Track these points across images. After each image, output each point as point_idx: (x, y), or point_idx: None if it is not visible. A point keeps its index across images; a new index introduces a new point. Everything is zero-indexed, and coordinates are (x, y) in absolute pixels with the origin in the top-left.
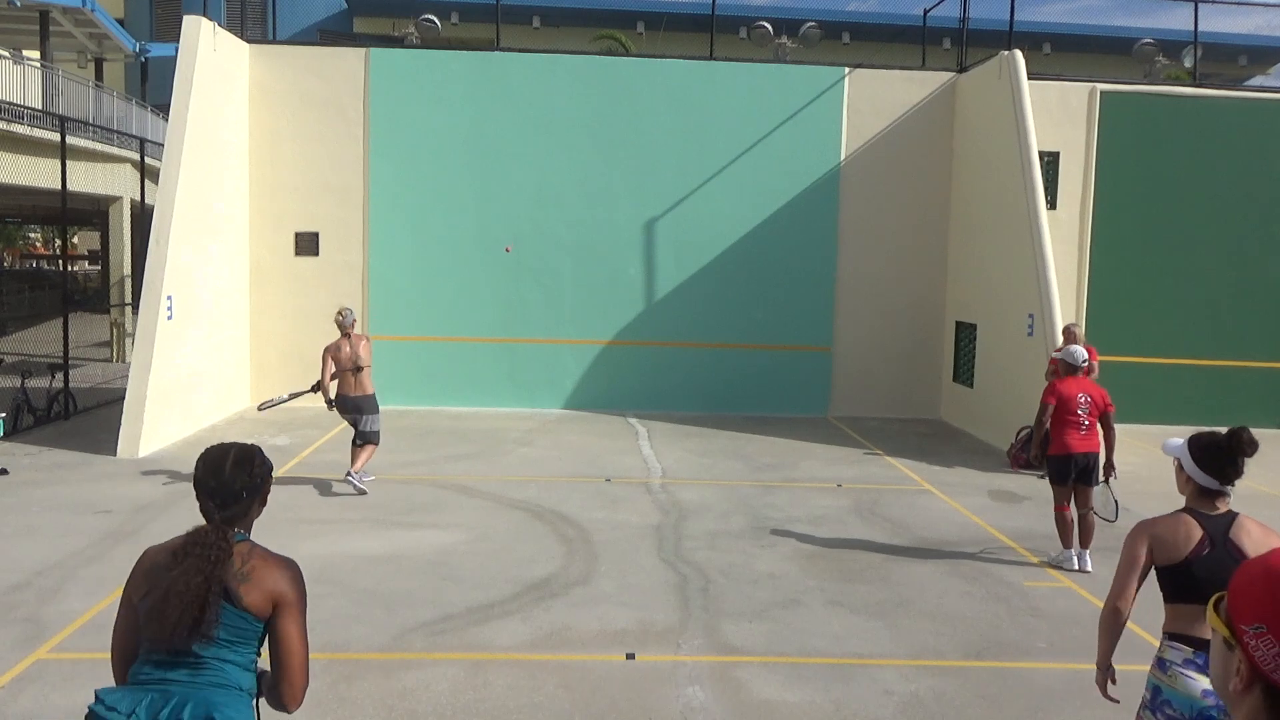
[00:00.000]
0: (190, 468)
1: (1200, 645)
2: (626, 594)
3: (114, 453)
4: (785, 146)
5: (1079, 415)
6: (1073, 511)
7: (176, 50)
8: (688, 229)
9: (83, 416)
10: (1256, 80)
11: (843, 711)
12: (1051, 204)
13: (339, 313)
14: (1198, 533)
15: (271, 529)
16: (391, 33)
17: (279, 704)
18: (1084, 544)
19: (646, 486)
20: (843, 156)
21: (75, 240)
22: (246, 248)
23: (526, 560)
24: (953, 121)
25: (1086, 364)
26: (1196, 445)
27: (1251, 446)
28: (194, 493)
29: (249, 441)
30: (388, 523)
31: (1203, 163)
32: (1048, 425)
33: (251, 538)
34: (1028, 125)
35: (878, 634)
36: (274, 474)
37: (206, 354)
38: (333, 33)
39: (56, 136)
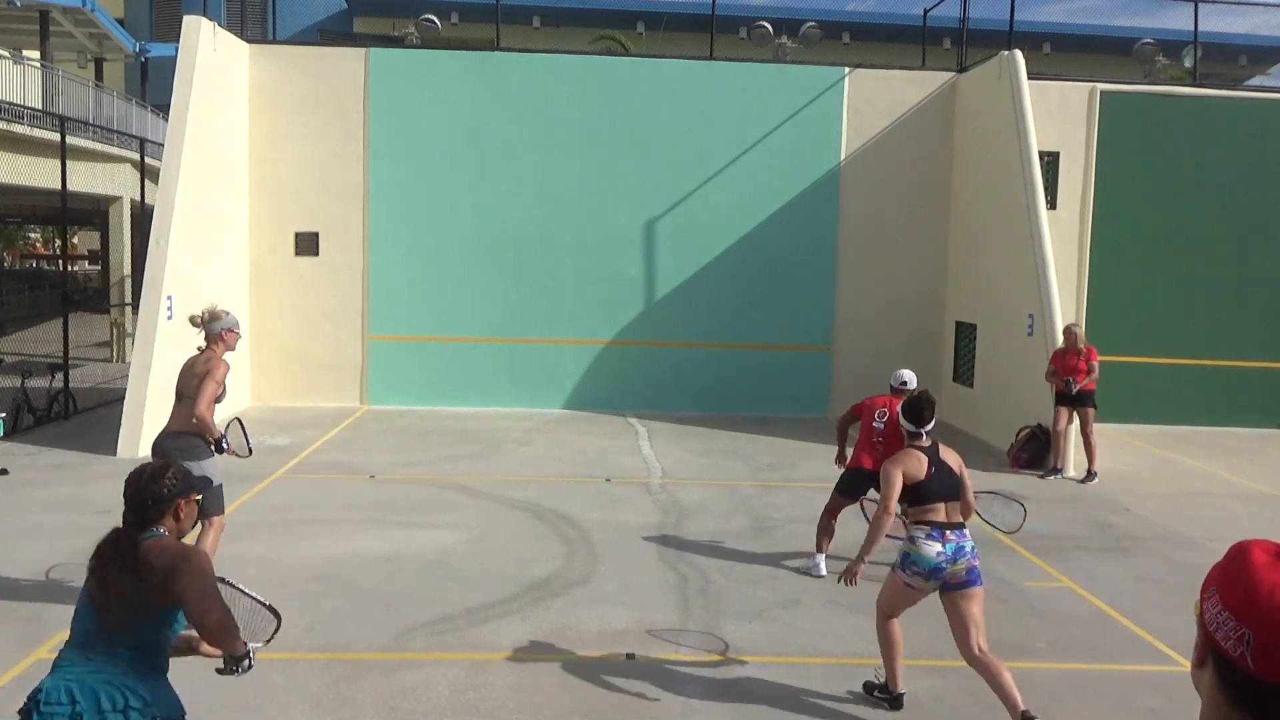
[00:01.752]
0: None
1: (934, 526)
2: (626, 594)
3: (114, 453)
4: (785, 146)
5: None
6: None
7: (176, 50)
8: (688, 229)
9: (83, 416)
10: (1256, 80)
11: (843, 711)
12: (1051, 204)
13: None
14: (926, 460)
15: (271, 529)
16: (391, 33)
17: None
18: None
19: (646, 486)
20: (843, 156)
21: (75, 240)
22: (246, 248)
23: (526, 560)
24: (953, 121)
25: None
26: (902, 406)
27: (930, 406)
28: None
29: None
30: (388, 523)
31: (1203, 163)
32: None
33: (201, 539)
34: (1028, 125)
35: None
36: (198, 490)
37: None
38: (333, 33)
39: (56, 136)
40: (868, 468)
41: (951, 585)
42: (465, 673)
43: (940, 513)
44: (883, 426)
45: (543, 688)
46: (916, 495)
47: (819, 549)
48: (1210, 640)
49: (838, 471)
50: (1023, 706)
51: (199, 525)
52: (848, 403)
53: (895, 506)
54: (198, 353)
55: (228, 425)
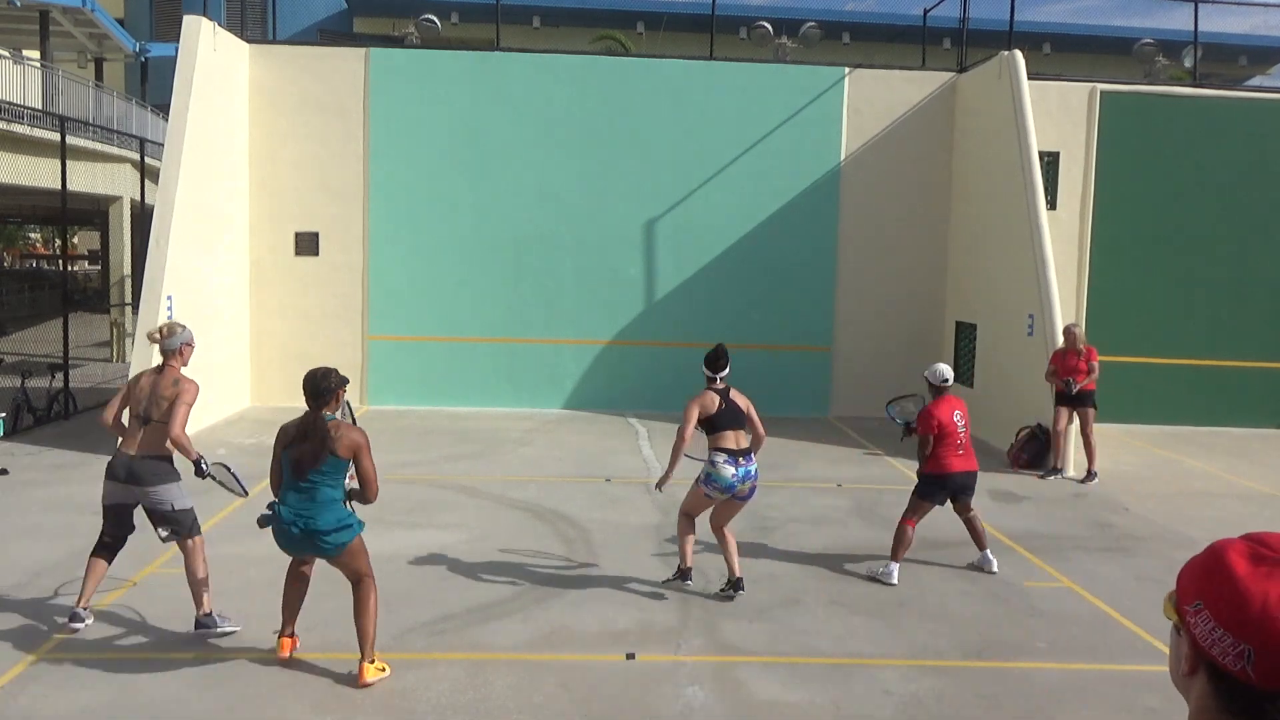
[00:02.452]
0: (190, 467)
1: (729, 452)
2: (626, 594)
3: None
4: (785, 146)
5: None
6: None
7: (176, 50)
8: (688, 229)
9: (83, 416)
10: (1256, 80)
11: (843, 711)
12: (1051, 204)
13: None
14: (718, 399)
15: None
16: (391, 33)
17: (366, 501)
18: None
19: (646, 487)
20: (843, 156)
21: (75, 240)
22: (246, 248)
23: (526, 560)
24: (953, 121)
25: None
26: (705, 358)
27: (725, 357)
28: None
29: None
30: (388, 523)
31: (1203, 163)
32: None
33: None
34: (1028, 125)
35: (878, 634)
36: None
37: (206, 354)
38: (333, 33)
39: (56, 136)
40: (957, 470)
41: (735, 497)
42: (465, 673)
43: (730, 440)
44: (964, 426)
45: (543, 688)
46: (710, 425)
47: (895, 557)
48: (1203, 654)
49: (838, 472)
50: (738, 574)
51: (178, 545)
52: (847, 402)
53: (690, 431)
54: (156, 371)
55: (212, 463)
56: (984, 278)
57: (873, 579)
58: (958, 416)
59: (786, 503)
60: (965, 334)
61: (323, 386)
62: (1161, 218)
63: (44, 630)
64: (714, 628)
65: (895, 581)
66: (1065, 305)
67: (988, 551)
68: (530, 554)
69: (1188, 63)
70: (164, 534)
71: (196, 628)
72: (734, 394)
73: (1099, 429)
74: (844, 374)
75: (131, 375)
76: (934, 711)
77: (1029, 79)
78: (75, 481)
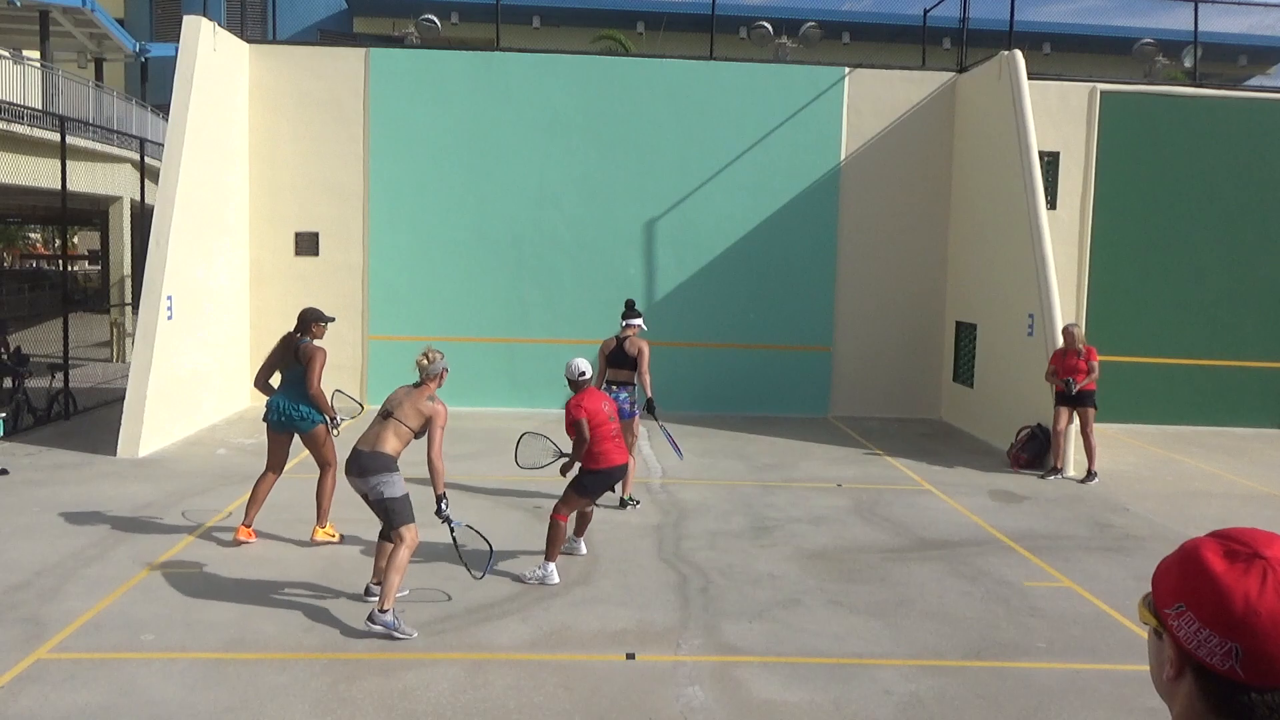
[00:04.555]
0: (190, 468)
1: (618, 385)
2: (626, 594)
3: (114, 453)
4: (785, 146)
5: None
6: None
7: (176, 50)
8: (688, 229)
9: (83, 416)
10: (1256, 80)
11: (843, 711)
12: (1051, 204)
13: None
14: (614, 341)
15: (272, 529)
16: (391, 33)
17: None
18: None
19: (646, 486)
20: (843, 156)
21: (75, 240)
22: (246, 248)
23: (527, 560)
24: (953, 121)
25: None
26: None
27: (633, 309)
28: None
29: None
30: None
31: (1203, 163)
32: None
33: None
34: (1028, 125)
35: (878, 634)
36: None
37: (206, 354)
38: (333, 33)
39: (56, 136)
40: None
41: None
42: (465, 673)
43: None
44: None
45: (543, 688)
46: (611, 362)
47: (550, 557)
48: (1190, 656)
49: (838, 472)
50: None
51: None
52: (847, 402)
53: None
54: (414, 386)
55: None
56: (984, 278)
57: (534, 582)
58: (606, 407)
59: (786, 503)
60: (965, 334)
61: (307, 317)
62: (1161, 217)
63: (44, 630)
64: (714, 628)
65: (557, 580)
66: (1065, 305)
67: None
68: (530, 554)
69: (1188, 63)
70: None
71: (370, 620)
72: (629, 340)
73: (1099, 429)
74: (844, 374)
75: (133, 374)
76: (934, 711)
77: (1029, 79)
78: (75, 481)
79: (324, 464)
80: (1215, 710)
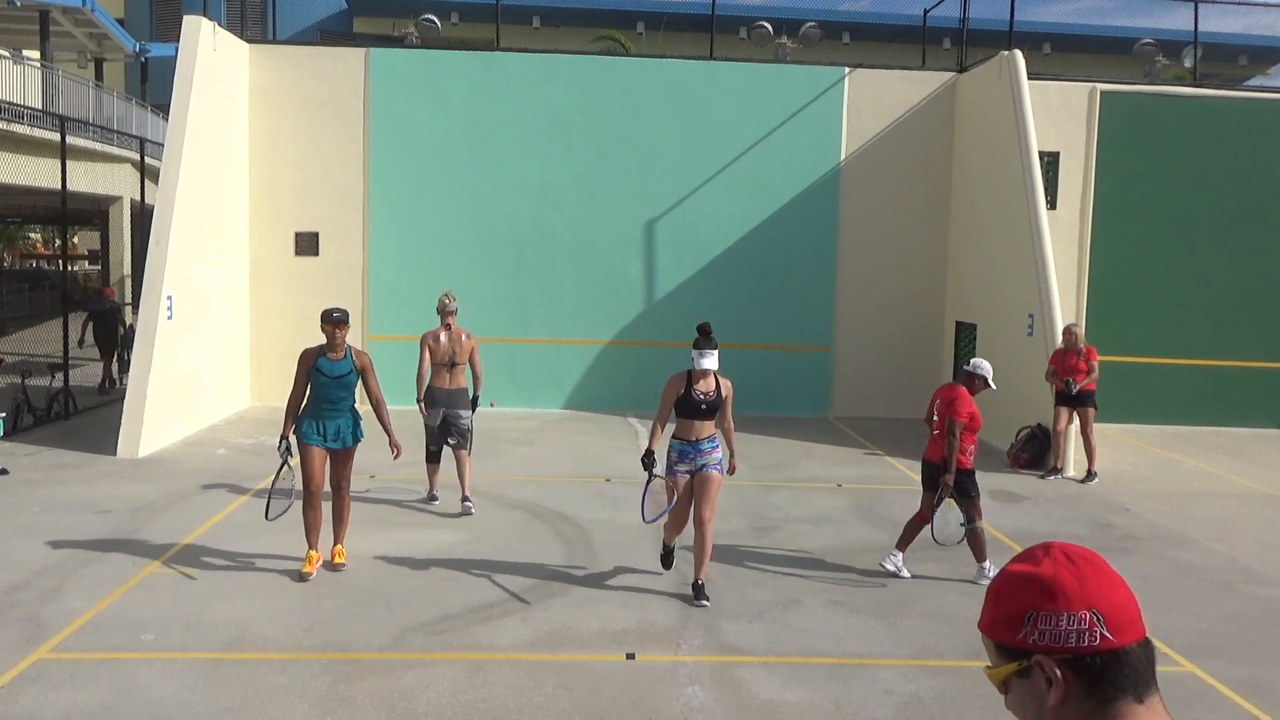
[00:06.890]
0: (190, 468)
1: (685, 441)
2: (626, 594)
3: (114, 453)
4: (785, 146)
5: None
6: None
7: (176, 50)
8: (688, 229)
9: (83, 416)
10: (1256, 80)
11: (843, 711)
12: (1051, 204)
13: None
14: (684, 383)
15: (271, 529)
16: (391, 33)
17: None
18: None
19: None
20: (843, 156)
21: (75, 240)
22: (246, 248)
23: (527, 560)
24: (953, 121)
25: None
26: (697, 331)
27: (707, 338)
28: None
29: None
30: (388, 522)
31: (1203, 163)
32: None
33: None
34: (1028, 125)
35: (878, 634)
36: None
37: (206, 354)
38: (333, 33)
39: (56, 136)
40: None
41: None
42: (465, 673)
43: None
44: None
45: (543, 688)
46: (680, 409)
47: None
48: (1064, 654)
49: (838, 472)
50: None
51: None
52: (847, 402)
53: (667, 420)
54: (445, 329)
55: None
56: (984, 278)
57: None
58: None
59: (786, 503)
60: (965, 334)
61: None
62: (1161, 218)
63: (44, 630)
64: (714, 628)
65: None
66: (1065, 305)
67: None
68: (530, 554)
69: (1188, 63)
70: (453, 442)
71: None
72: (696, 380)
73: (1099, 429)
74: (844, 374)
75: (133, 374)
76: (934, 711)
77: (1029, 79)
78: (75, 481)
79: (348, 482)
80: (1090, 695)
